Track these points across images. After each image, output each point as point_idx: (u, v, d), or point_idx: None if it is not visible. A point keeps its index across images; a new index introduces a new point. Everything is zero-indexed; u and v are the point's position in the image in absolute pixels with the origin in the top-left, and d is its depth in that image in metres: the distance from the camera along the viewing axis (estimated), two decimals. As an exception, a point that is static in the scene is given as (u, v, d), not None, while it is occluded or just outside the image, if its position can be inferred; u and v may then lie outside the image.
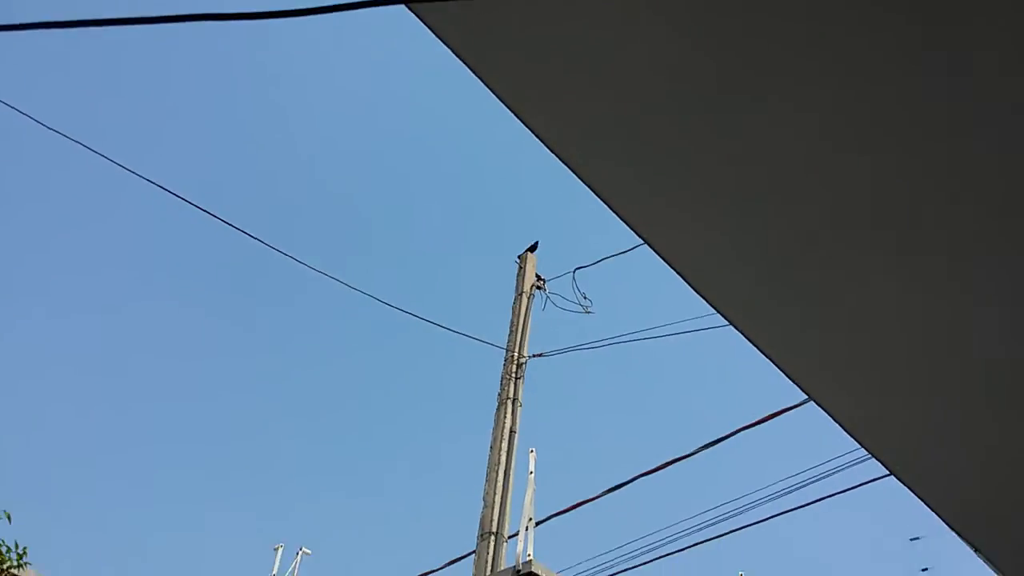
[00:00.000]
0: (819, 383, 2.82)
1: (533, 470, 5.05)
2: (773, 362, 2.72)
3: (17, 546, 3.56)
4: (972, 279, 2.35)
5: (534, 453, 5.15)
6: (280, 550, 6.57)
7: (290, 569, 6.42)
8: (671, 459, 9.27)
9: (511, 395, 10.36)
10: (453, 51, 2.03)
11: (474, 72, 2.08)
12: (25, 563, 3.58)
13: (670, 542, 9.37)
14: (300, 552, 6.47)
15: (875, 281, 2.40)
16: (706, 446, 9.04)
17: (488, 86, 2.11)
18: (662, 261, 2.48)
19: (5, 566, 3.54)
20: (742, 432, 8.74)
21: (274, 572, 6.47)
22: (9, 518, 3.49)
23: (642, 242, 2.50)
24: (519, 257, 11.03)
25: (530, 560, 4.44)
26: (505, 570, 4.58)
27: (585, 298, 10.80)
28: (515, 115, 2.12)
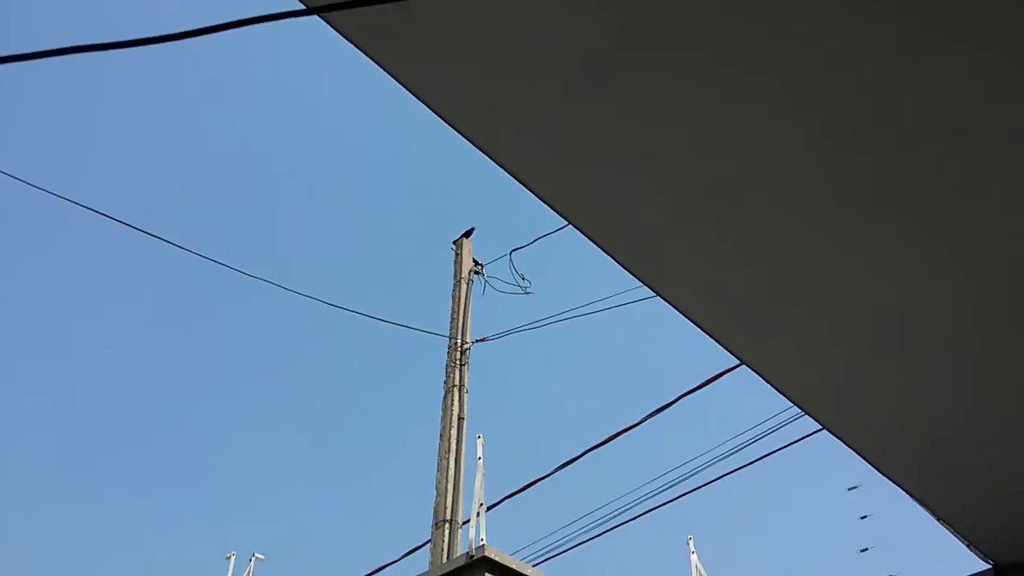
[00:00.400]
0: (746, 344, 2.86)
1: (481, 456, 5.05)
2: (698, 325, 2.75)
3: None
4: (875, 232, 2.39)
5: (481, 439, 5.16)
6: (232, 558, 6.47)
7: (244, 576, 6.32)
8: (618, 431, 9.38)
9: (457, 382, 10.35)
10: (346, 38, 1.99)
11: (372, 59, 2.05)
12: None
13: (624, 511, 9.49)
14: (253, 558, 6.38)
15: (795, 238, 2.43)
16: (651, 415, 9.14)
17: (388, 71, 2.08)
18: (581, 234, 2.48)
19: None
20: (685, 398, 8.87)
21: (228, 581, 6.37)
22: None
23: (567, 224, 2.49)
24: (454, 243, 11.00)
25: (483, 545, 4.44)
26: (459, 557, 4.58)
27: (524, 279, 10.81)
28: (415, 96, 2.09)
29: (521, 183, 2.25)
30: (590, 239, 2.41)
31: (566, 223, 2.46)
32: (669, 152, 2.20)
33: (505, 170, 2.27)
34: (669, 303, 2.61)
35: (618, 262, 2.48)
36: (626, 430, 9.27)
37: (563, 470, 9.39)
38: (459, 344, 10.74)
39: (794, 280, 2.59)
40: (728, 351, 2.94)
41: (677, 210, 2.34)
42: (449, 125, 2.12)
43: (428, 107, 2.11)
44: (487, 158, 2.26)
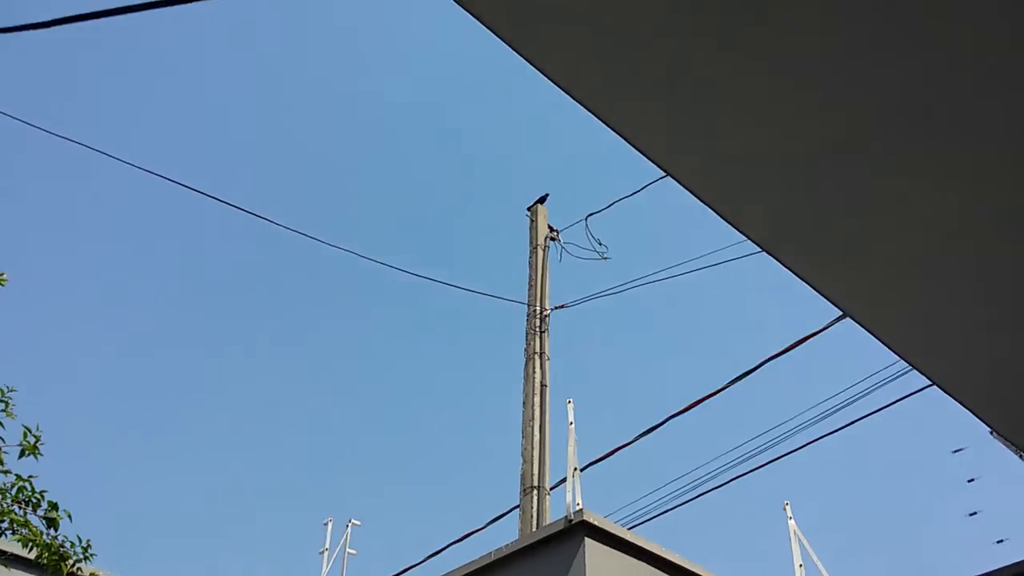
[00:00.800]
0: (856, 301, 2.79)
1: (572, 421, 5.06)
2: (808, 283, 2.69)
3: (81, 540, 3.61)
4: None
5: (571, 404, 5.16)
6: (330, 524, 6.65)
7: (340, 542, 6.50)
8: (703, 396, 9.29)
9: (538, 349, 10.38)
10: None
11: (476, 18, 2.03)
12: (91, 555, 3.63)
13: (710, 479, 9.43)
14: (349, 524, 6.55)
15: (909, 192, 2.36)
16: (737, 379, 9.04)
17: (493, 31, 2.06)
18: (687, 192, 2.43)
19: (71, 563, 3.60)
20: (772, 361, 8.74)
21: (325, 546, 6.56)
22: (70, 517, 3.54)
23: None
24: (529, 210, 10.97)
25: (581, 510, 4.46)
26: (557, 521, 4.60)
27: (601, 244, 10.73)
28: (527, 60, 2.07)
29: (635, 147, 2.22)
30: (711, 208, 2.37)
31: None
32: (786, 107, 2.14)
33: (615, 130, 2.23)
34: (785, 265, 2.55)
35: (732, 224, 2.44)
36: (710, 396, 9.19)
37: (649, 437, 9.36)
38: (538, 311, 10.76)
39: (911, 236, 2.50)
40: (838, 307, 2.88)
41: (796, 168, 2.29)
42: (565, 91, 2.09)
43: (536, 66, 2.08)
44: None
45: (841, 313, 3.19)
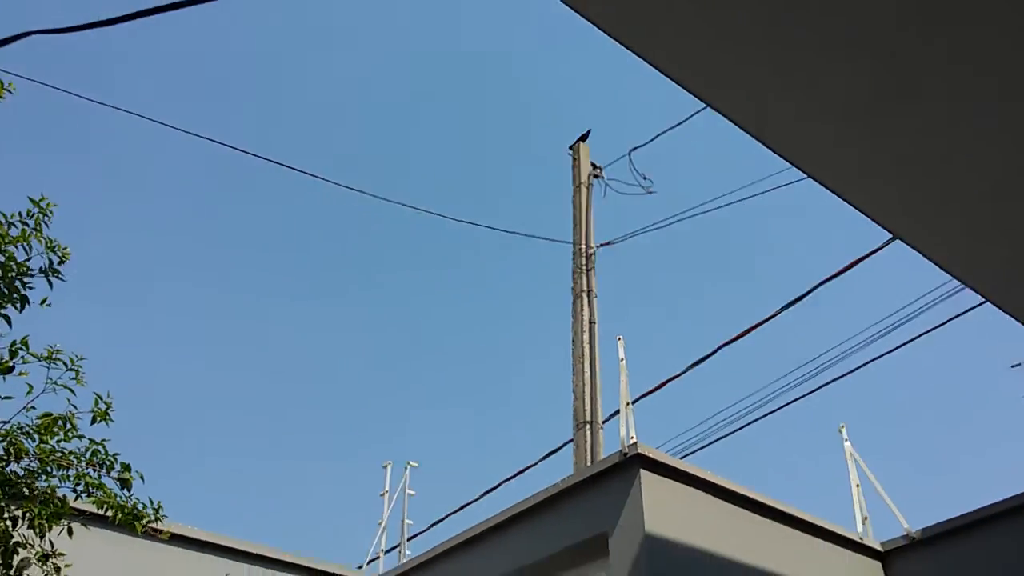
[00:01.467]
0: (909, 223, 2.75)
1: (623, 357, 5.08)
2: (859, 209, 2.66)
3: (152, 502, 3.77)
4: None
5: (621, 340, 5.18)
6: (389, 467, 6.82)
7: (400, 484, 6.67)
8: (752, 324, 9.25)
9: (585, 288, 10.39)
10: None
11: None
12: (163, 515, 3.80)
13: (763, 404, 9.44)
14: (408, 466, 6.71)
15: (959, 124, 2.31)
16: (787, 306, 8.98)
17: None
18: (731, 124, 2.40)
19: (144, 522, 3.77)
20: (823, 286, 8.64)
21: (386, 488, 6.73)
22: (142, 478, 3.70)
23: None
24: (571, 148, 10.87)
25: (635, 443, 4.50)
26: (612, 455, 4.66)
27: (645, 179, 10.62)
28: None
29: (679, 83, 2.19)
30: (752, 134, 2.34)
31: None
32: (845, 43, 2.10)
33: (654, 65, 2.20)
34: (833, 191, 2.52)
35: (785, 157, 2.42)
36: (761, 323, 9.14)
37: (699, 368, 9.37)
38: (584, 250, 10.74)
39: (964, 162, 2.46)
40: (889, 230, 2.85)
41: (853, 103, 2.24)
42: (603, 31, 2.06)
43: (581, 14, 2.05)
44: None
45: (891, 236, 3.15)
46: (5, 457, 3.42)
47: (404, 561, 5.97)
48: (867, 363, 7.46)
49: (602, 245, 10.70)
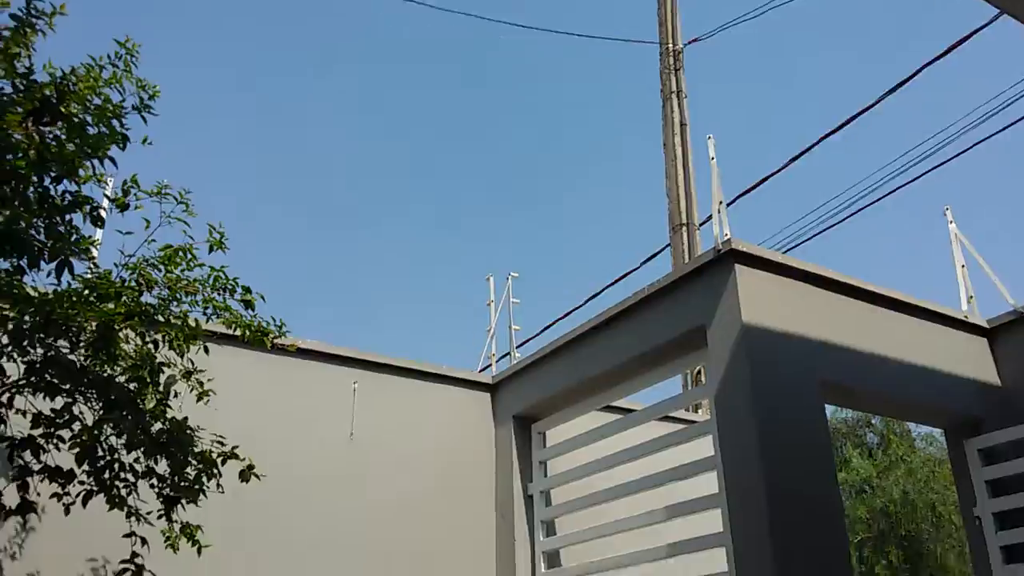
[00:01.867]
0: None
1: (714, 156, 5.00)
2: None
3: (276, 319, 4.06)
4: None
5: (712, 139, 5.08)
6: (492, 279, 7.05)
7: (503, 294, 6.89)
8: (853, 114, 8.87)
9: (674, 88, 10.07)
10: None
11: None
12: (286, 331, 4.10)
13: (867, 194, 9.19)
14: (509, 277, 6.92)
15: None
16: (892, 90, 8.55)
17: None
18: None
19: (271, 337, 4.08)
20: (925, 69, 8.18)
21: (491, 299, 6.98)
22: (263, 299, 3.96)
23: None
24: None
25: (729, 239, 4.53)
26: (706, 252, 4.71)
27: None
28: None
29: None
30: None
31: None
32: None
33: None
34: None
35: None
36: (863, 111, 8.75)
37: (798, 163, 9.13)
38: (671, 49, 10.32)
39: None
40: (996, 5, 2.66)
41: None
42: None
43: None
44: None
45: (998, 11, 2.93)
46: (137, 288, 3.71)
47: (515, 362, 6.29)
48: (972, 147, 7.11)
49: (690, 43, 10.26)
